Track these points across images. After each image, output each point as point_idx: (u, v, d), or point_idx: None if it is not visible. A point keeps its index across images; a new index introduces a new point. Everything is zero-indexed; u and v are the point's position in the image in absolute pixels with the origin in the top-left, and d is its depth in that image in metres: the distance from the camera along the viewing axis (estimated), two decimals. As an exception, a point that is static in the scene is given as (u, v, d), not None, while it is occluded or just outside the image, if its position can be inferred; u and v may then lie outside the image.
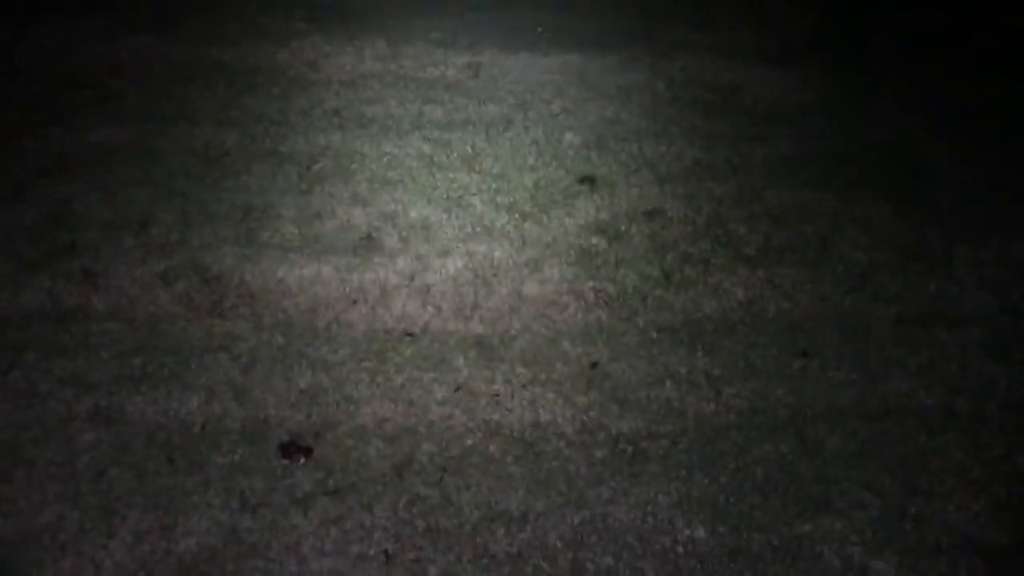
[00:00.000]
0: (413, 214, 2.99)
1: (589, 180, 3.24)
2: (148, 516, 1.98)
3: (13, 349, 2.39)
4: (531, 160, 3.34)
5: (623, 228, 2.98)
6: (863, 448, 2.16)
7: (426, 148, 3.39)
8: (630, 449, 2.15)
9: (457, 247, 2.84)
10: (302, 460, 2.10)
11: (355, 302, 2.60)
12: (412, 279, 2.69)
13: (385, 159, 3.31)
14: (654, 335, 2.53)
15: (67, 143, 3.31)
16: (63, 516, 1.97)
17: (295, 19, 4.43)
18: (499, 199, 3.09)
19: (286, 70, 3.96)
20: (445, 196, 3.10)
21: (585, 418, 2.24)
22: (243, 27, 4.30)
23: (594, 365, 2.42)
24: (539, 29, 4.45)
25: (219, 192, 3.07)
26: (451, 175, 3.22)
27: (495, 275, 2.73)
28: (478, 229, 2.94)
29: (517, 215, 3.02)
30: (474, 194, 3.11)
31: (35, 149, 3.27)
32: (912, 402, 2.29)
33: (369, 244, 2.85)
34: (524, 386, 2.33)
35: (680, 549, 1.92)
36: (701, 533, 1.95)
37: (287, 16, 4.45)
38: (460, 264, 2.77)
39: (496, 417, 2.23)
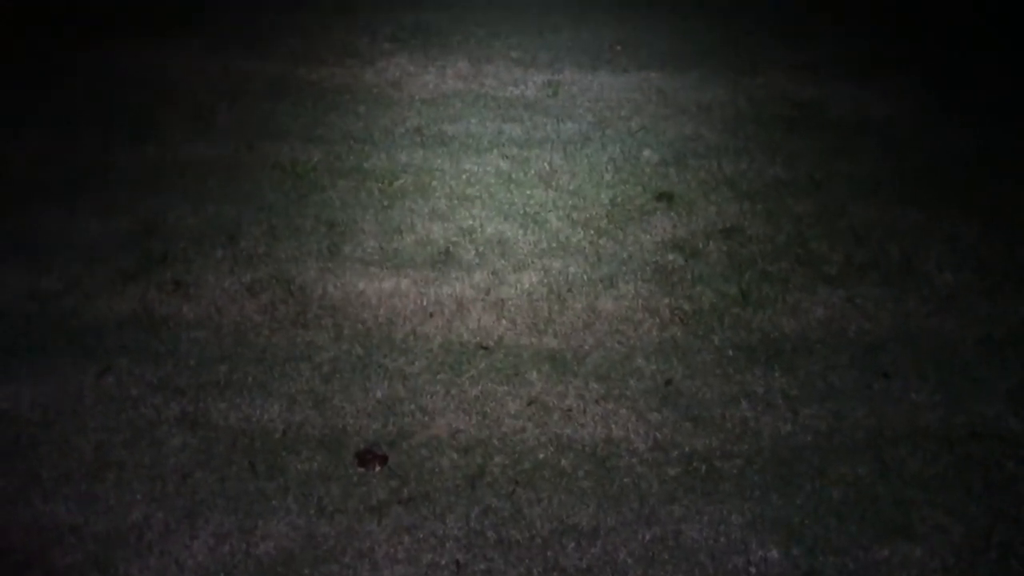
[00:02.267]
0: (490, 230, 3.03)
1: (667, 197, 3.23)
2: (229, 519, 2.05)
3: (107, 354, 2.50)
4: (608, 177, 3.35)
5: (700, 245, 2.96)
6: (946, 472, 2.10)
7: (504, 165, 3.43)
8: (704, 467, 2.14)
9: (533, 262, 2.87)
10: (377, 468, 2.15)
11: (432, 315, 2.64)
12: (488, 293, 2.73)
13: (464, 176, 3.36)
14: (730, 353, 2.51)
15: (160, 157, 3.46)
16: (149, 516, 2.05)
17: (380, 39, 4.54)
18: (575, 215, 3.11)
19: (371, 89, 4.06)
20: (522, 212, 3.13)
21: (658, 435, 2.23)
22: (330, 47, 4.43)
23: (668, 382, 2.41)
24: (617, 47, 4.46)
25: (304, 207, 3.17)
26: (528, 192, 3.25)
27: (570, 290, 2.75)
28: (554, 245, 2.96)
29: (593, 231, 3.03)
30: (550, 210, 3.14)
31: (130, 162, 3.42)
32: (999, 426, 2.22)
33: (447, 258, 2.89)
34: (597, 401, 2.33)
35: (753, 570, 1.90)
36: (775, 554, 1.92)
37: (373, 37, 4.56)
38: (535, 279, 2.79)
39: (568, 432, 2.24)
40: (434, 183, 3.31)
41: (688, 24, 4.79)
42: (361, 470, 2.15)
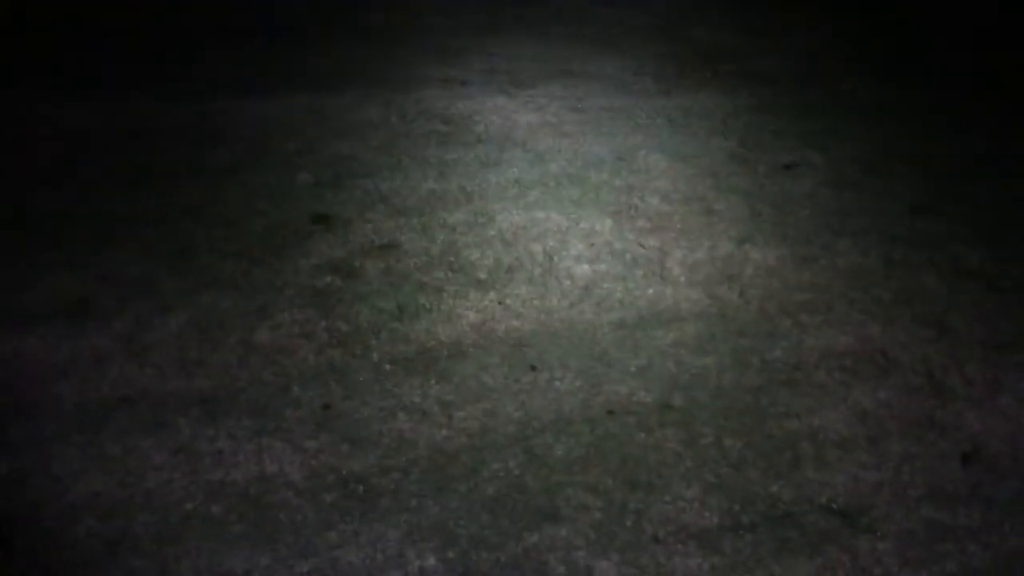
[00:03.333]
0: (132, 272, 2.84)
1: (323, 219, 3.21)
2: None
3: None
4: (262, 204, 3.26)
5: (358, 264, 2.96)
6: (587, 452, 2.24)
7: (150, 201, 3.24)
8: (361, 488, 2.12)
9: (180, 302, 2.72)
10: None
11: (65, 373, 2.42)
12: (130, 341, 2.55)
13: (102, 216, 3.13)
14: (388, 368, 2.52)
15: None
16: None
17: (13, 72, 4.15)
18: (227, 247, 2.99)
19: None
20: (168, 250, 2.96)
21: (314, 463, 2.18)
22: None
23: (326, 407, 2.37)
24: (270, 72, 4.38)
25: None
26: (175, 227, 3.08)
27: (221, 326, 2.63)
28: (203, 281, 2.82)
29: (246, 261, 2.93)
30: (200, 244, 3.00)
31: None
32: (632, 402, 2.40)
33: (83, 309, 2.67)
34: (251, 439, 2.25)
35: (413, 581, 1.91)
36: (431, 561, 1.94)
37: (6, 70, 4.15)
38: (183, 319, 2.65)
39: (219, 476, 2.13)
40: (68, 227, 3.05)
41: (341, 46, 4.82)
42: (-22, 558, 1.91)
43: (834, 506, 2.12)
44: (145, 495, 2.08)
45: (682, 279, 2.94)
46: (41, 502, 2.06)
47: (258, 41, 4.84)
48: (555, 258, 3.02)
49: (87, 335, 2.56)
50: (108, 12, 5.18)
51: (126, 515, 2.03)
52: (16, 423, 2.26)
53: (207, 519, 2.02)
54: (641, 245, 3.12)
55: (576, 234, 3.17)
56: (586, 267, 2.99)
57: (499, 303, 2.79)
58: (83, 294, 2.74)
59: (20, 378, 2.41)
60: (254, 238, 3.06)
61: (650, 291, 2.87)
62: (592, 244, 3.11)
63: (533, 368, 2.52)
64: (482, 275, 2.92)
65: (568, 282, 2.90)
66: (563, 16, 5.67)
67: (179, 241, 3.01)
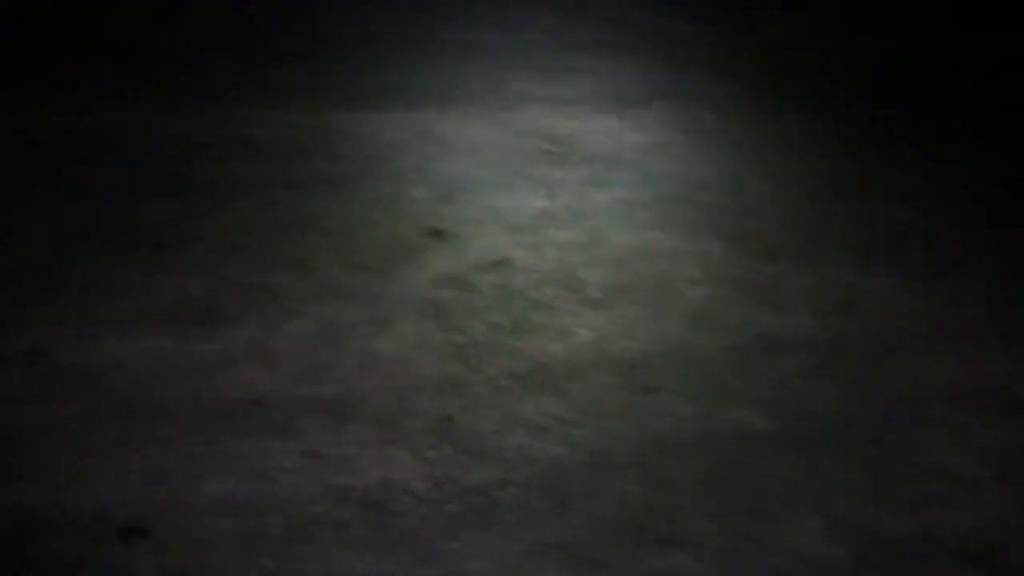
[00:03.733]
0: (258, 279, 2.94)
1: (438, 234, 3.27)
2: (-29, 621, 1.85)
3: None
4: (380, 217, 3.35)
5: (472, 279, 3.02)
6: (707, 478, 2.23)
7: (272, 211, 3.35)
8: (483, 500, 2.15)
9: (304, 310, 2.81)
10: (141, 544, 2.01)
11: (196, 374, 2.52)
12: (257, 346, 2.64)
13: (229, 224, 3.25)
14: (504, 383, 2.55)
15: None
16: None
17: (126, 82, 4.33)
18: (347, 258, 3.08)
19: (111, 136, 3.85)
20: (292, 258, 3.06)
21: (437, 473, 2.23)
22: (69, 92, 4.17)
23: (447, 418, 2.42)
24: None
25: (58, 267, 2.95)
26: (297, 236, 3.19)
27: (344, 335, 2.71)
28: (326, 290, 2.91)
29: (366, 273, 3.01)
30: (322, 254, 3.09)
31: None
32: (751, 429, 2.39)
33: (212, 312, 2.78)
34: (375, 446, 2.30)
35: (535, 597, 1.93)
36: (554, 578, 1.96)
37: (104, 78, 4.32)
38: (307, 327, 2.73)
39: (346, 480, 2.19)
40: (195, 234, 3.18)
41: (444, 63, 4.91)
42: (123, 548, 2.00)
43: (964, 547, 2.07)
44: (275, 496, 2.15)
45: (797, 306, 2.91)
46: (177, 498, 2.14)
47: (363, 56, 4.95)
48: (668, 280, 3.02)
49: (217, 338, 2.66)
50: (136, 14, 5.33)
51: (258, 515, 2.09)
52: (152, 420, 2.36)
53: (335, 522, 2.08)
54: (754, 270, 3.10)
55: (688, 257, 3.17)
56: (699, 290, 2.98)
57: (612, 323, 2.80)
58: (209, 299, 2.85)
59: (154, 377, 2.51)
60: (373, 250, 3.14)
61: (765, 317, 2.85)
62: (704, 267, 3.11)
63: (649, 390, 2.52)
64: (594, 294, 2.95)
65: (681, 305, 2.90)
66: (662, 38, 5.66)
67: (298, 251, 3.11)
